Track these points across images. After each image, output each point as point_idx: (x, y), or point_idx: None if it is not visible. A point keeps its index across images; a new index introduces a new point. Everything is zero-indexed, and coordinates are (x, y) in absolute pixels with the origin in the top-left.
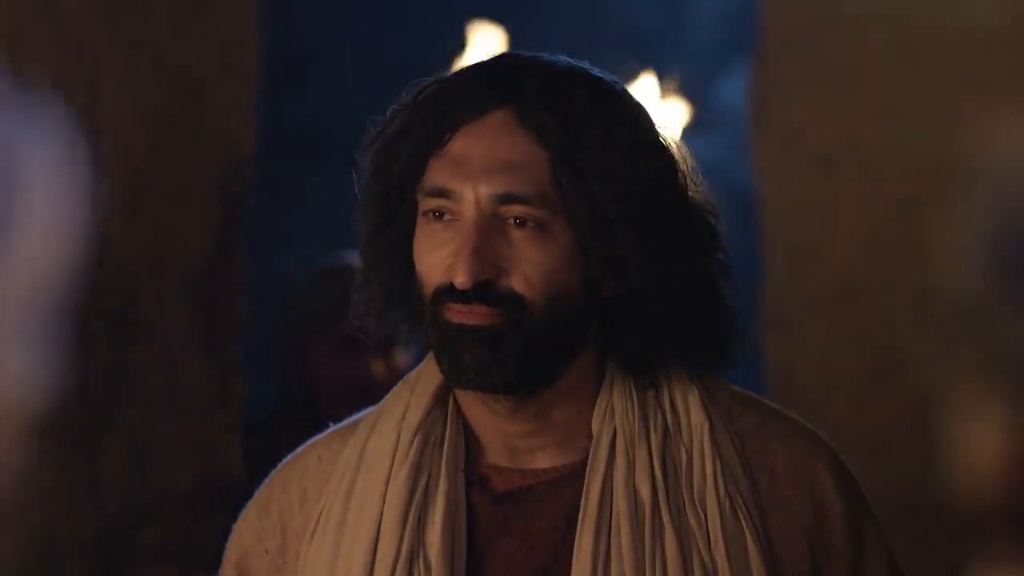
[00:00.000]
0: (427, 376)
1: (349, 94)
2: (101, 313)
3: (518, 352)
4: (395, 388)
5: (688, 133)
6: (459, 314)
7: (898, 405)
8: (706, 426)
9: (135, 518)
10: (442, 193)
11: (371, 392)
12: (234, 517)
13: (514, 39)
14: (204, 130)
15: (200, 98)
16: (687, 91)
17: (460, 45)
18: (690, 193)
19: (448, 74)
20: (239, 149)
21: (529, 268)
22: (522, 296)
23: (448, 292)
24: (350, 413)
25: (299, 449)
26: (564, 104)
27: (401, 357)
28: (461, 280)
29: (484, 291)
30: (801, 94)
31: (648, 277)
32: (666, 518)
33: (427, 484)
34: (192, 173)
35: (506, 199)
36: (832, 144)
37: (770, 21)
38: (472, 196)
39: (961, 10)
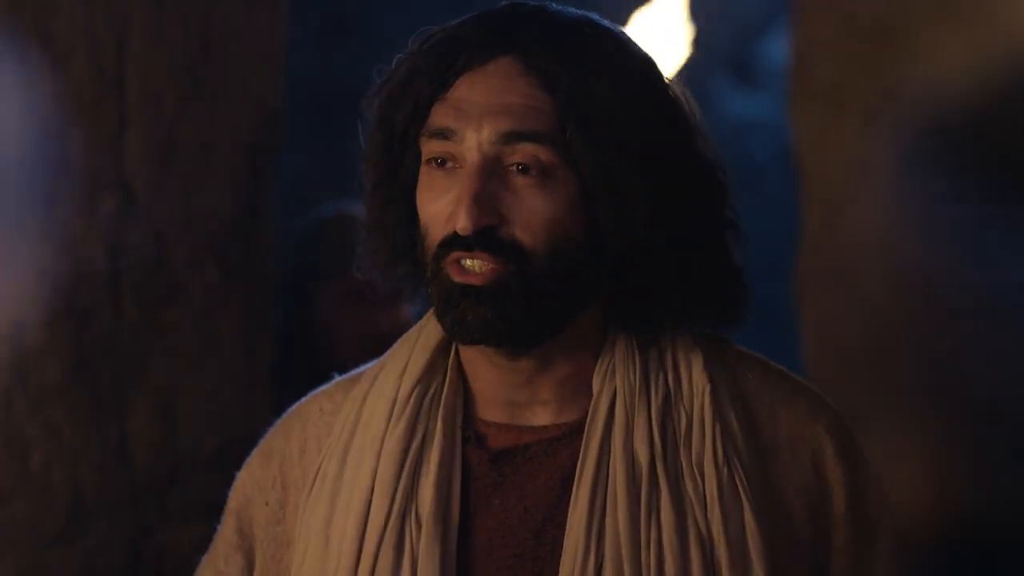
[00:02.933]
0: (429, 331)
1: (396, 50)
2: (130, 270)
3: (522, 308)
4: (398, 342)
5: (734, 92)
6: (462, 273)
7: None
8: (708, 389)
9: (164, 478)
10: (444, 133)
11: (382, 344)
12: None
13: None
14: (231, 86)
15: (227, 53)
16: (732, 50)
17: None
18: (698, 147)
19: (454, 22)
20: (267, 105)
21: (531, 216)
22: (523, 245)
23: (451, 241)
24: (356, 366)
25: (304, 398)
26: (570, 52)
27: (407, 310)
28: (463, 225)
29: (486, 238)
30: (840, 51)
31: (654, 230)
32: (663, 483)
33: (423, 440)
34: (220, 129)
35: (509, 138)
36: (870, 101)
37: None
38: (474, 140)
39: None
